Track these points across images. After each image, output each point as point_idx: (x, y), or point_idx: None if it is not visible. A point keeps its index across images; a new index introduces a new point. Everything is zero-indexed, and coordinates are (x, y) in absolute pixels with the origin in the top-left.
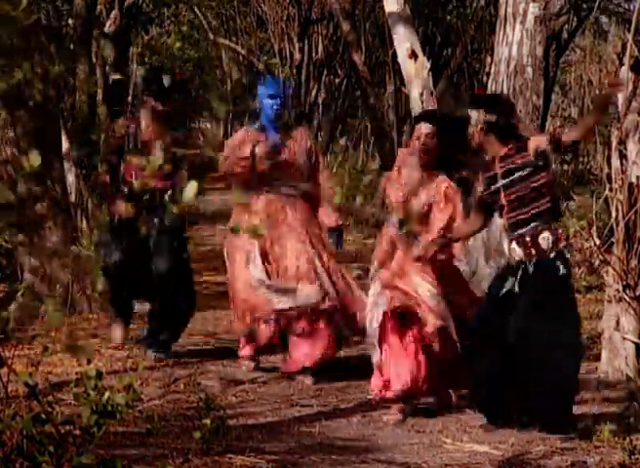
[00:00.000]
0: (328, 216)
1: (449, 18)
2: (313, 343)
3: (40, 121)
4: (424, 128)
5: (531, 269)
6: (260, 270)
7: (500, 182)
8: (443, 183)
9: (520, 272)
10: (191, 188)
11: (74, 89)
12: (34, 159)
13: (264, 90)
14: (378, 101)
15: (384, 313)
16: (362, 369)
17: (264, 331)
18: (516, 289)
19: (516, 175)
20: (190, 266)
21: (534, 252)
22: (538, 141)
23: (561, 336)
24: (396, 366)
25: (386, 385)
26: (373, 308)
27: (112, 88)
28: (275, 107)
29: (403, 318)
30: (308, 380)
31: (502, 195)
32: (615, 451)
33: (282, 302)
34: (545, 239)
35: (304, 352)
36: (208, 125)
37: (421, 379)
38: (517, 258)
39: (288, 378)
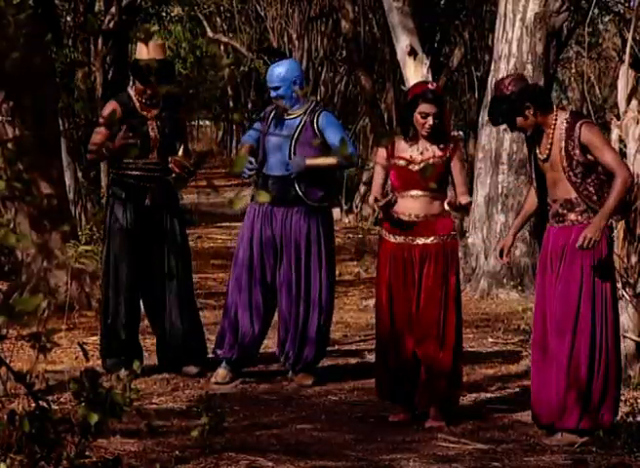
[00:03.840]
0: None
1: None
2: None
3: (39, 119)
4: (431, 108)
5: None
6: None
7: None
8: (457, 143)
9: None
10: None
11: (73, 88)
12: None
13: (268, 79)
14: (377, 99)
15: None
16: (362, 368)
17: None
18: None
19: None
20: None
21: None
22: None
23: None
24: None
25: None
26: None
27: (112, 85)
28: (275, 97)
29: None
30: (308, 381)
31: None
32: (615, 451)
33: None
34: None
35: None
36: (207, 122)
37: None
38: None
39: (287, 378)
